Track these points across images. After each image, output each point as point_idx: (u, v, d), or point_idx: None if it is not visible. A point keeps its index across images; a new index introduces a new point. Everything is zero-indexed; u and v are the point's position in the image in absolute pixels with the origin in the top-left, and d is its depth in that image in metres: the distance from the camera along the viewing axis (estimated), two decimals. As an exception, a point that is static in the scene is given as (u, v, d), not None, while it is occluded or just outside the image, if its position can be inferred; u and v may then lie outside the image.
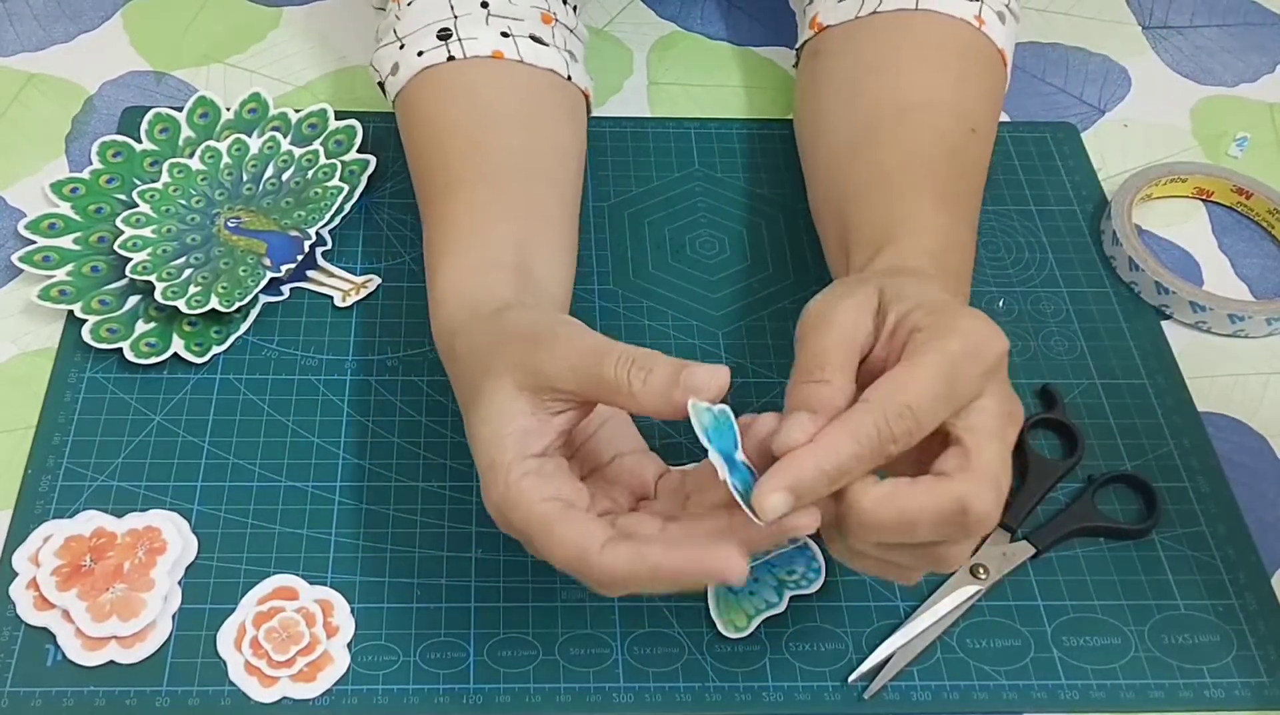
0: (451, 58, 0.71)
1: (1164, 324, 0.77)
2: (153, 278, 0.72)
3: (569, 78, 0.74)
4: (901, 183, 0.66)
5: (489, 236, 0.65)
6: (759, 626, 0.63)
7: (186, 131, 0.81)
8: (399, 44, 0.73)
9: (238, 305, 0.72)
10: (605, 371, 0.52)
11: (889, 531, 0.51)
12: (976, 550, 0.65)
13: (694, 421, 0.50)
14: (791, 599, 0.64)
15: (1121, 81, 0.91)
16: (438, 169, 0.69)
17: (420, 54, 0.72)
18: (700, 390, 0.50)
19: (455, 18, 0.72)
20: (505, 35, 0.72)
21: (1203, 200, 0.84)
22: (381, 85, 0.75)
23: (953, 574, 0.64)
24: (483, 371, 0.56)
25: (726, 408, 0.52)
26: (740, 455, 0.51)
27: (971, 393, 0.52)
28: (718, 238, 0.79)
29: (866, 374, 0.53)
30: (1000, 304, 0.77)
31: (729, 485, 0.50)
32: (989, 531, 0.52)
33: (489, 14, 0.73)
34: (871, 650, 0.62)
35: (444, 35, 0.72)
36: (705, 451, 0.50)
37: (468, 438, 0.56)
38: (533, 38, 0.73)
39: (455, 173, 0.68)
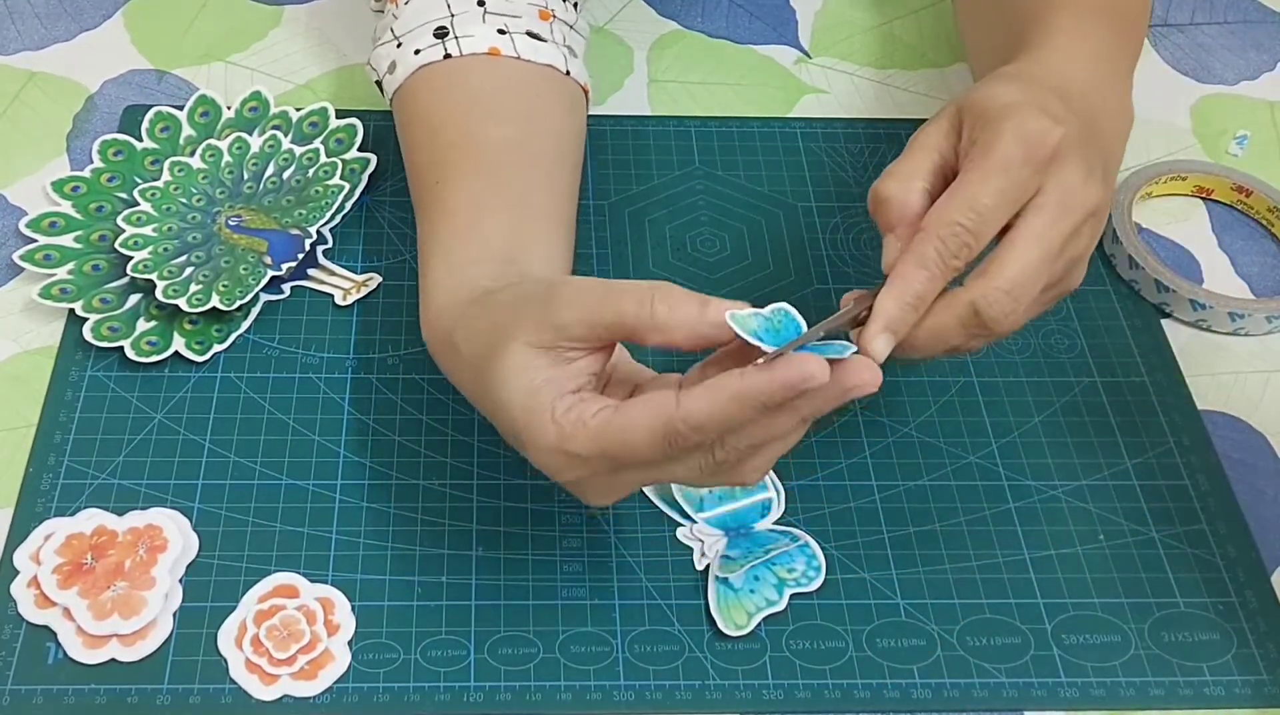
0: (448, 55, 0.71)
1: (1164, 322, 0.77)
2: (154, 276, 0.72)
3: (567, 73, 0.74)
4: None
5: (477, 232, 0.64)
6: (759, 624, 0.63)
7: (187, 130, 0.81)
8: (396, 42, 0.73)
9: (239, 303, 0.72)
10: (625, 307, 0.52)
11: (925, 350, 0.57)
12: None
13: (738, 332, 0.50)
14: (791, 597, 0.64)
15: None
16: (428, 165, 0.69)
17: (417, 52, 0.72)
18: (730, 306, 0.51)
19: (452, 16, 0.72)
20: (502, 32, 0.72)
21: (1203, 198, 0.84)
22: (379, 84, 0.75)
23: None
24: (489, 347, 0.55)
25: (782, 305, 0.52)
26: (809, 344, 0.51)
27: (1027, 191, 0.56)
28: (718, 236, 0.79)
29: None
30: (1000, 302, 0.77)
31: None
32: (1013, 329, 0.57)
33: (485, 11, 0.73)
34: (872, 648, 0.63)
35: (441, 33, 0.72)
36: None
37: (488, 411, 0.55)
38: (530, 34, 0.73)
39: (446, 168, 0.68)
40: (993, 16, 0.74)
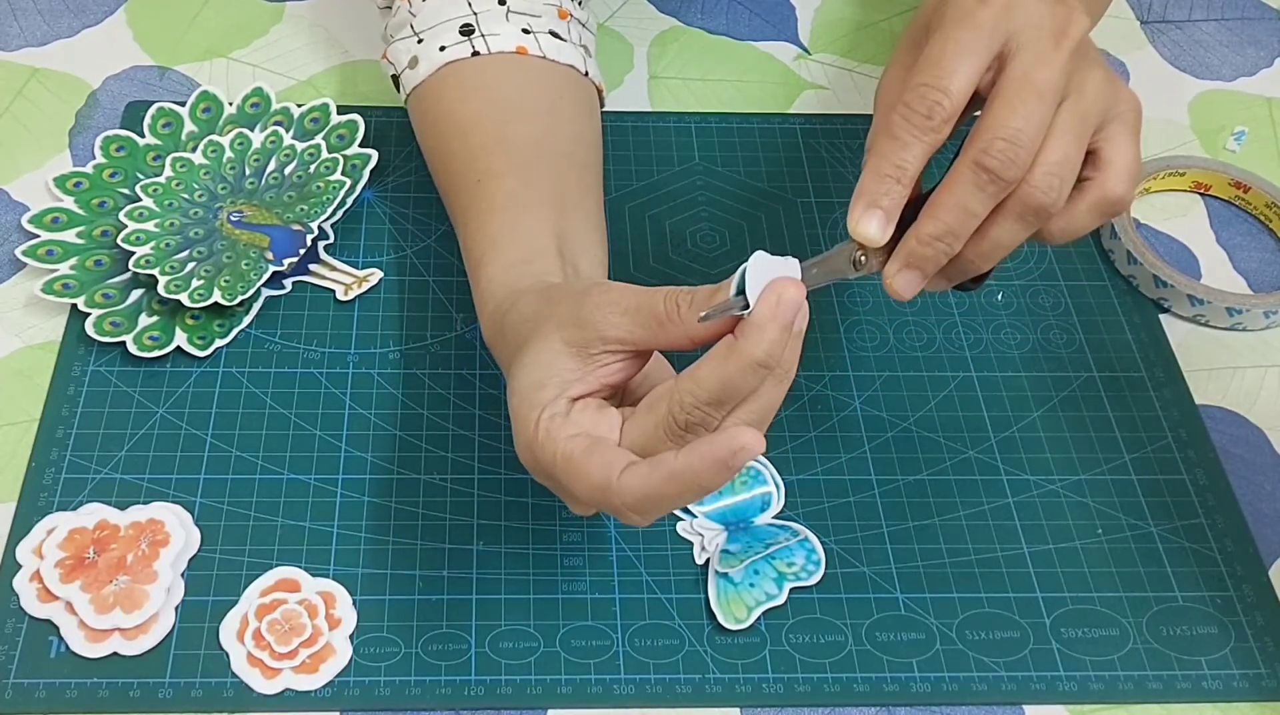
0: (476, 53, 0.71)
1: (1162, 317, 0.77)
2: (156, 271, 0.72)
3: (586, 73, 0.74)
4: None
5: (525, 229, 0.64)
6: (759, 618, 0.63)
7: (189, 126, 0.82)
8: (416, 38, 0.73)
9: (240, 299, 0.72)
10: (656, 306, 0.52)
11: (958, 227, 0.53)
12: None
13: (738, 272, 0.50)
14: (791, 591, 0.64)
15: (1120, 75, 0.91)
16: (463, 163, 0.69)
17: (442, 49, 0.72)
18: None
19: (475, 14, 0.72)
20: (527, 32, 0.72)
21: (1201, 194, 0.84)
22: (395, 79, 0.75)
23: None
24: (529, 335, 0.55)
25: (791, 259, 0.51)
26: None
27: (994, 36, 0.52)
28: (718, 231, 0.79)
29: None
30: (999, 297, 0.77)
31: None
32: (1046, 183, 0.53)
33: (508, 10, 0.73)
34: (871, 641, 0.63)
35: (466, 31, 0.72)
36: None
37: (508, 397, 0.55)
38: (552, 33, 0.73)
39: (482, 167, 0.68)
40: None
